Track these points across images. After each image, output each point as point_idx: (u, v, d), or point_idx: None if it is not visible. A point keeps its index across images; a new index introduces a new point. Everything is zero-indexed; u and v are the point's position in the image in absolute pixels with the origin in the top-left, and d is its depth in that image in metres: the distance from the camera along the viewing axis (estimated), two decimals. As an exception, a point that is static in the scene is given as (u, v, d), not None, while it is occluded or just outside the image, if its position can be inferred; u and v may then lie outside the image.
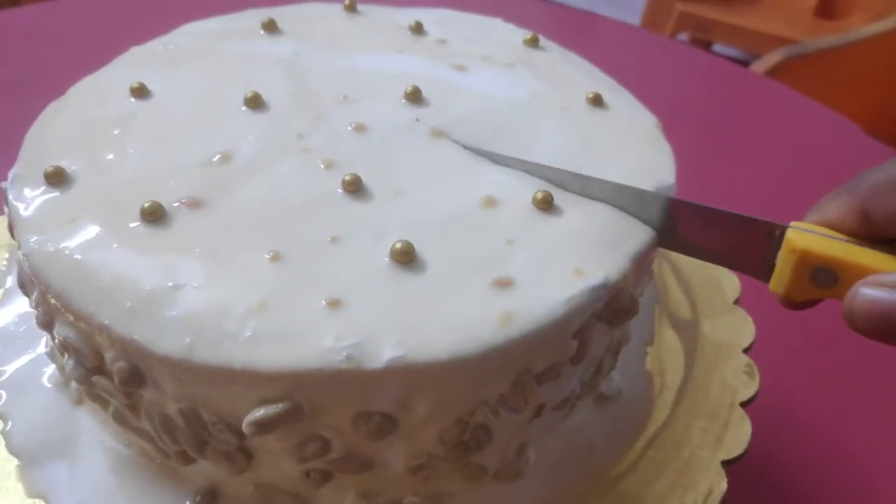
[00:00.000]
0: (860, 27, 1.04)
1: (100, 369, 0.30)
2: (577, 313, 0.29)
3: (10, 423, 0.35)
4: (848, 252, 0.27)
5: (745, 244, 0.29)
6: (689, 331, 0.41)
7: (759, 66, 0.89)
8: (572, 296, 0.29)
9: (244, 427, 0.27)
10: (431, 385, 0.27)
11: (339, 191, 0.32)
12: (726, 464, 0.36)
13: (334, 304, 0.28)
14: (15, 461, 0.34)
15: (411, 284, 0.29)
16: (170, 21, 0.44)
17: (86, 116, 0.36)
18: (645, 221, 0.32)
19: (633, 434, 0.37)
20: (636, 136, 0.37)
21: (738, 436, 0.37)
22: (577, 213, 0.32)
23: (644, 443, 0.36)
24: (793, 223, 0.28)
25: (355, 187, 0.32)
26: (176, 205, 0.31)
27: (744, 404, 0.38)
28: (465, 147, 0.35)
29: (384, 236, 0.30)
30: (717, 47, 1.53)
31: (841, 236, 0.27)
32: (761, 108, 0.78)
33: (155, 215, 0.30)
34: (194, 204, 0.31)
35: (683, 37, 1.44)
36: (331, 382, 0.27)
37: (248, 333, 0.27)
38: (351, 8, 0.44)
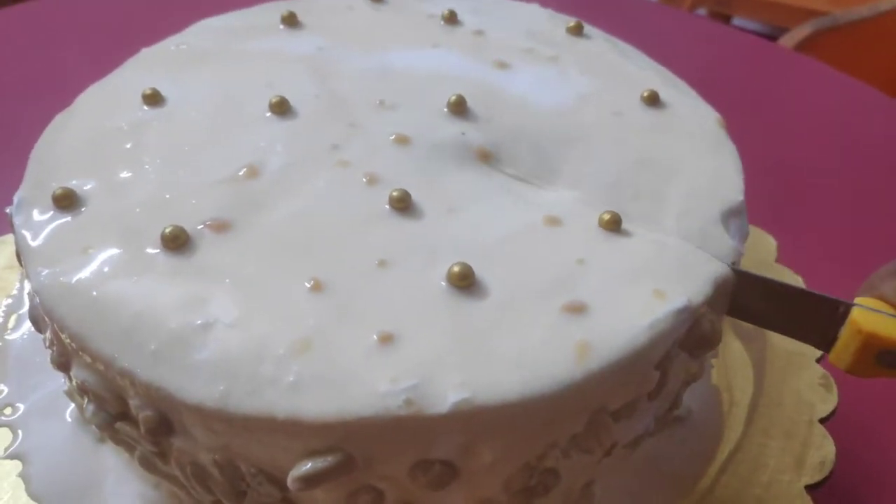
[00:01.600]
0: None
1: (124, 415, 0.26)
2: (661, 340, 0.25)
3: (29, 464, 0.31)
4: None
5: (806, 317, 0.28)
6: (755, 341, 0.38)
7: (788, 41, 0.85)
8: (655, 319, 0.25)
9: (289, 483, 0.24)
10: (499, 429, 0.24)
11: (386, 207, 0.28)
12: (810, 488, 0.32)
13: (387, 339, 0.24)
14: (34, 508, 0.30)
15: (472, 312, 0.25)
16: (183, 17, 0.40)
17: (95, 128, 0.32)
18: None
19: (705, 458, 0.33)
20: (697, 141, 0.33)
21: (821, 456, 0.33)
22: (648, 236, 0.28)
23: (717, 467, 0.33)
24: (857, 299, 0.27)
25: (404, 204, 0.28)
26: (200, 227, 0.27)
27: (823, 420, 0.34)
28: (513, 177, 0.31)
29: (438, 258, 0.26)
30: (737, 21, 1.48)
31: None
32: (792, 84, 0.74)
33: (178, 241, 0.27)
34: (221, 227, 0.27)
35: (702, 11, 1.39)
36: (387, 431, 0.23)
37: (291, 378, 0.23)
38: (376, -2, 0.40)
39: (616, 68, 0.37)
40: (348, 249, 0.27)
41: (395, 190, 0.28)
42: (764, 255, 0.42)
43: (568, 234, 0.28)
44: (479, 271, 0.26)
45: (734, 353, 0.37)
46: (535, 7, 0.41)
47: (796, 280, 0.40)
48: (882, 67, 0.94)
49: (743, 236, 0.30)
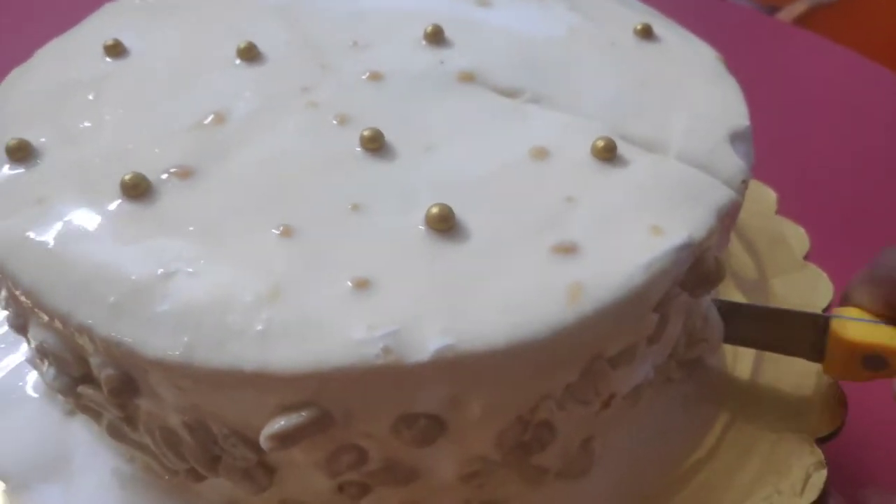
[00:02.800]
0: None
1: (86, 378, 0.24)
2: (659, 280, 0.23)
3: (-7, 442, 0.29)
4: (892, 338, 0.27)
5: (793, 334, 0.29)
6: (757, 292, 0.36)
7: (785, 16, 0.82)
8: (653, 258, 0.23)
9: (262, 442, 0.22)
10: (487, 379, 0.22)
11: (358, 149, 0.26)
12: (821, 442, 0.30)
13: (362, 284, 0.22)
14: (1, 485, 0.28)
15: (454, 256, 0.23)
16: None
17: (54, 81, 0.30)
18: None
19: (710, 414, 0.31)
20: (698, 71, 0.31)
21: (831, 408, 0.31)
22: (646, 163, 0.26)
23: (723, 424, 0.31)
24: (836, 310, 0.29)
25: (377, 144, 0.26)
26: (164, 176, 0.25)
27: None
28: (502, 92, 0.29)
29: (416, 200, 0.24)
30: None
31: (881, 320, 0.27)
32: (791, 58, 0.71)
33: (138, 189, 0.24)
34: (185, 173, 0.25)
35: None
36: (365, 382, 0.21)
37: (260, 327, 0.21)
38: (354, -56, 0.38)
39: (605, 6, 0.34)
40: (319, 194, 0.25)
41: (367, 129, 0.26)
42: (764, 207, 0.39)
43: (557, 168, 0.26)
44: (460, 212, 0.24)
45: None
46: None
47: (799, 232, 0.38)
48: (880, 43, 0.91)
49: (749, 161, 0.29)
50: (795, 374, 0.32)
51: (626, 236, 0.23)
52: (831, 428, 0.30)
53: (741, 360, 0.33)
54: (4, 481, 0.28)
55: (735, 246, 0.38)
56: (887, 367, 0.27)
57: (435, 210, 0.23)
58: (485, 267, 0.23)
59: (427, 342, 0.21)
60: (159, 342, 0.21)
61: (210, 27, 0.32)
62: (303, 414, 0.21)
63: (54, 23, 0.35)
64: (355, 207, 0.24)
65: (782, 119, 0.59)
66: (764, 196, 0.41)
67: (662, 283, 0.23)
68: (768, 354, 0.33)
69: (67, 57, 0.31)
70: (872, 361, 0.27)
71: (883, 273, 0.27)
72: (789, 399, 0.31)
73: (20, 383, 0.30)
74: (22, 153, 0.26)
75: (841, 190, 0.52)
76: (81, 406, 0.26)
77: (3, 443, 0.29)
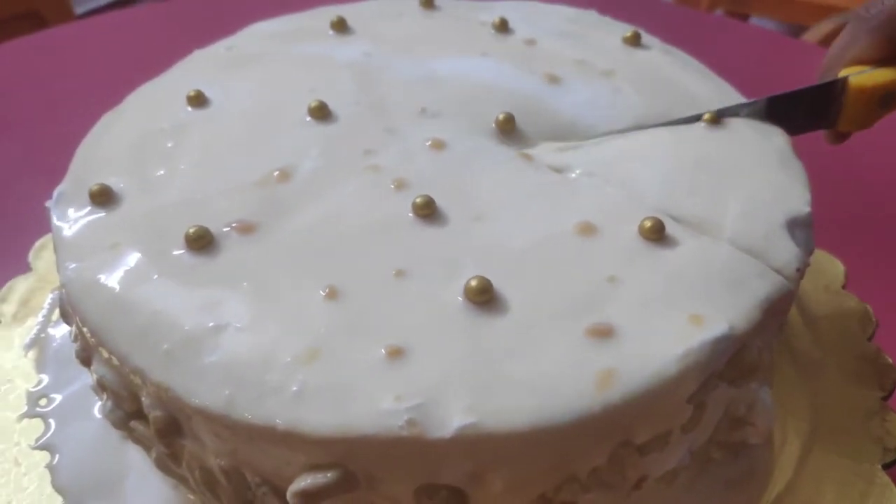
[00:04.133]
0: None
1: (138, 414, 0.26)
2: (693, 372, 0.22)
3: (57, 456, 0.31)
4: None
5: (813, 108, 0.32)
6: (813, 369, 0.34)
7: (812, 36, 0.79)
8: (689, 350, 0.22)
9: (289, 497, 0.22)
10: (509, 457, 0.21)
11: (410, 215, 0.26)
12: (867, 544, 0.28)
13: (395, 353, 0.22)
14: (59, 499, 0.30)
15: (488, 330, 0.23)
16: (244, 19, 0.40)
17: (140, 128, 0.32)
18: None
19: (752, 498, 0.30)
20: (762, 154, 0.30)
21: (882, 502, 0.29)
22: (694, 246, 0.25)
23: (763, 512, 0.29)
24: (846, 72, 0.31)
25: (428, 211, 0.26)
26: (226, 230, 0.26)
27: (886, 466, 0.30)
28: (559, 170, 0.29)
29: (459, 270, 0.24)
30: (754, 20, 1.40)
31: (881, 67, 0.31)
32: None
33: (201, 242, 0.26)
34: (246, 228, 0.26)
35: (719, 12, 1.32)
36: (389, 450, 0.21)
37: (295, 388, 0.22)
38: (428, 4, 0.39)
39: (675, 85, 0.34)
40: (368, 257, 0.25)
41: (420, 196, 0.26)
42: (829, 280, 0.38)
43: (602, 245, 0.25)
44: (500, 285, 0.24)
45: (789, 383, 0.34)
46: (592, 13, 0.39)
47: (865, 309, 0.36)
48: None
49: (809, 248, 0.27)
50: (844, 469, 0.30)
51: (663, 323, 0.23)
52: (882, 530, 0.28)
53: (790, 443, 0.32)
54: (63, 496, 0.30)
55: (794, 317, 0.36)
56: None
57: (474, 283, 0.23)
58: (518, 344, 0.22)
59: (451, 418, 0.21)
60: (203, 392, 0.22)
61: (287, 81, 0.33)
62: (329, 474, 0.22)
63: (148, 66, 0.37)
64: (399, 273, 0.25)
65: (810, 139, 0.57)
66: (832, 269, 0.39)
67: (698, 374, 0.22)
68: (819, 440, 0.31)
69: (153, 104, 0.33)
70: (886, 99, 0.31)
71: (874, 19, 0.30)
72: (838, 491, 0.29)
73: (88, 401, 0.32)
74: (103, 198, 0.28)
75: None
76: (134, 438, 0.27)
77: (65, 459, 0.31)
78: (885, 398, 0.33)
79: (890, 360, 0.34)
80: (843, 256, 0.39)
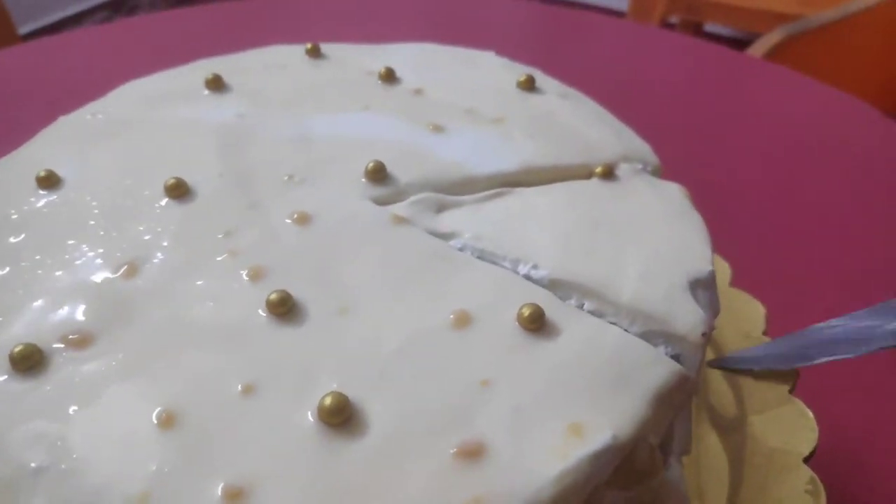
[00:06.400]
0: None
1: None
2: (573, 492, 0.19)
3: None
4: None
5: None
6: (734, 433, 0.32)
7: (758, 49, 0.78)
8: (566, 469, 0.19)
9: None
10: None
11: (263, 314, 0.23)
12: None
13: (234, 496, 0.19)
14: None
15: (344, 459, 0.20)
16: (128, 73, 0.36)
17: (-17, 216, 0.28)
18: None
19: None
20: (659, 209, 0.28)
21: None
22: (578, 334, 0.23)
23: None
24: None
25: (283, 308, 0.23)
26: (58, 345, 0.23)
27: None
28: (438, 235, 0.26)
29: (314, 382, 0.21)
30: (710, 27, 1.41)
31: None
32: (764, 94, 0.68)
33: (28, 362, 0.22)
34: (81, 342, 0.23)
35: (674, 20, 1.32)
36: None
37: (122, 542, 0.19)
38: (314, 53, 0.36)
39: (568, 131, 0.31)
40: (213, 369, 0.22)
41: (275, 292, 0.23)
42: (748, 326, 0.35)
43: (478, 340, 0.23)
44: (360, 400, 0.21)
45: (709, 448, 0.31)
46: (490, 56, 0.36)
47: (756, 307, 0.34)
48: (855, 69, 0.87)
49: (714, 309, 0.25)
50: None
51: (539, 436, 0.20)
52: None
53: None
54: None
55: (714, 373, 0.34)
56: None
57: (328, 401, 0.20)
58: (377, 474, 0.19)
59: (293, 578, 0.18)
60: (19, 553, 0.19)
61: (149, 154, 0.30)
62: None
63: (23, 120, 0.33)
64: (247, 389, 0.21)
65: (749, 157, 0.56)
66: (750, 312, 0.37)
67: (577, 493, 0.20)
68: (742, 498, 0.29)
69: (3, 187, 0.29)
70: None
71: None
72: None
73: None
74: (-76, 309, 0.24)
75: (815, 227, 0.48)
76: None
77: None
78: (807, 459, 0.30)
79: (811, 414, 0.32)
80: (763, 296, 0.37)
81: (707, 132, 0.60)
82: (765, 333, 0.35)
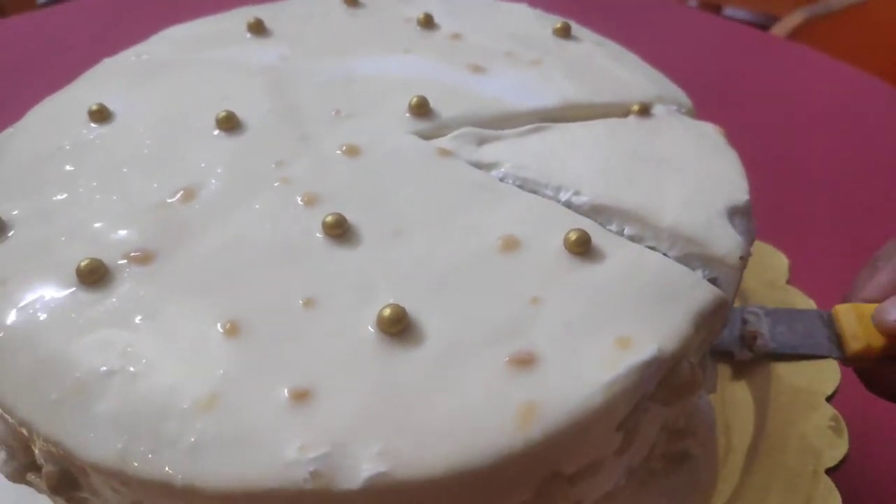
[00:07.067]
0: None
1: (34, 466, 0.23)
2: (621, 400, 0.21)
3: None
4: None
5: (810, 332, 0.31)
6: (758, 375, 0.33)
7: (780, 29, 0.78)
8: (615, 377, 0.20)
9: (192, 554, 0.20)
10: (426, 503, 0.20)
11: (320, 235, 0.24)
12: (812, 552, 0.27)
13: (300, 396, 0.20)
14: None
15: (403, 364, 0.21)
16: (160, 22, 0.37)
17: (38, 148, 0.29)
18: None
19: (694, 512, 0.29)
20: (695, 145, 0.28)
21: (827, 515, 0.28)
22: (623, 258, 0.24)
23: (707, 524, 0.28)
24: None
25: (340, 230, 0.24)
26: (122, 261, 0.24)
27: (830, 470, 0.29)
28: (482, 166, 0.27)
29: (372, 296, 0.22)
30: (728, 11, 1.40)
31: None
32: (787, 74, 0.68)
33: (94, 276, 0.23)
34: (144, 258, 0.24)
35: (693, 3, 1.32)
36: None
37: (193, 438, 0.20)
38: (352, 2, 0.36)
39: (605, 74, 0.32)
40: (274, 285, 0.23)
41: (331, 214, 0.24)
42: (773, 274, 0.36)
43: (526, 262, 0.23)
44: (416, 312, 0.22)
45: (734, 389, 0.32)
46: (523, 7, 0.37)
47: (809, 305, 0.35)
48: (878, 53, 0.87)
49: (750, 237, 0.26)
50: (790, 473, 0.29)
51: (588, 348, 0.21)
52: (825, 537, 0.27)
53: (734, 452, 0.30)
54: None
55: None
56: None
57: (387, 312, 0.21)
58: (434, 379, 0.21)
59: (359, 468, 0.19)
60: (94, 446, 0.20)
61: (197, 91, 0.31)
62: (233, 530, 0.20)
63: (58, 75, 0.34)
64: (308, 303, 0.22)
65: (771, 136, 0.56)
66: (776, 263, 0.38)
67: (626, 401, 0.21)
68: (763, 447, 0.30)
69: (54, 120, 0.30)
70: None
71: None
72: (782, 501, 0.28)
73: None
74: (-9, 229, 0.25)
75: (839, 219, 0.49)
76: (37, 490, 0.25)
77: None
78: (830, 398, 0.32)
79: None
80: (788, 250, 0.38)
81: (729, 111, 0.60)
82: (788, 282, 0.36)
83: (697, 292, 0.23)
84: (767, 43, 0.73)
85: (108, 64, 0.34)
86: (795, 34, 0.79)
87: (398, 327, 0.21)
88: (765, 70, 0.68)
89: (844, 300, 0.30)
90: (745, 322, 0.32)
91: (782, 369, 0.32)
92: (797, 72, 0.68)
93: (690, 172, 0.27)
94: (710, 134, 0.29)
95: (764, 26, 0.86)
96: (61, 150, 0.29)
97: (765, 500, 0.28)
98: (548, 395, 0.20)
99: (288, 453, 0.19)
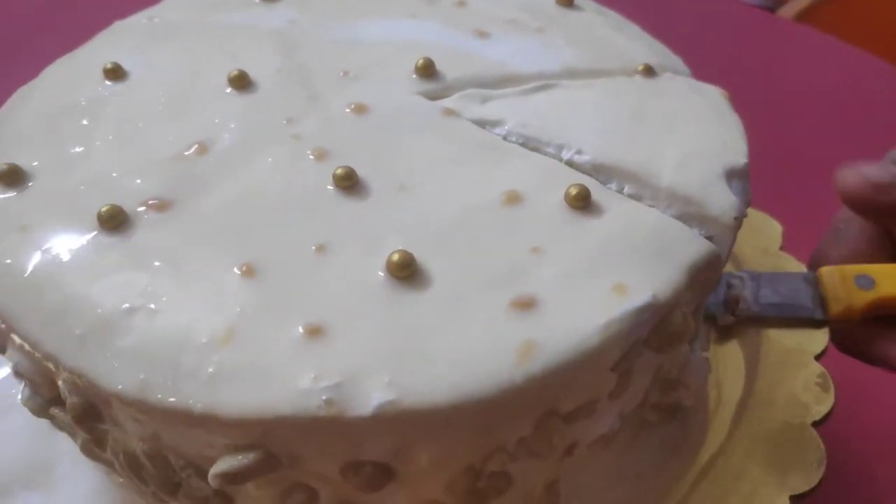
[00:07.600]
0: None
1: (57, 400, 0.25)
2: (616, 342, 0.22)
3: (-17, 446, 0.30)
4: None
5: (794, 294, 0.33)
6: (750, 336, 0.34)
7: (788, 11, 0.78)
8: (611, 320, 0.22)
9: (210, 479, 0.22)
10: (431, 433, 0.21)
11: (330, 187, 0.26)
12: (795, 499, 0.29)
13: (314, 332, 0.21)
14: (-13, 490, 0.29)
15: (410, 305, 0.22)
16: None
17: (55, 103, 0.30)
18: None
19: (684, 461, 0.30)
20: (698, 107, 0.30)
21: (810, 464, 0.29)
22: (621, 213, 0.25)
23: (696, 472, 0.30)
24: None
25: (349, 182, 0.25)
26: (141, 209, 0.25)
27: (816, 424, 0.31)
28: (486, 124, 0.28)
29: (381, 244, 0.24)
30: None
31: None
32: (794, 56, 0.68)
33: (114, 221, 0.24)
34: (161, 206, 0.25)
35: None
36: (308, 430, 0.21)
37: (211, 370, 0.21)
38: (360, -32, 0.37)
39: (607, 41, 0.33)
40: (287, 232, 0.24)
41: (340, 167, 0.25)
42: (767, 242, 0.38)
43: (528, 215, 0.25)
44: (424, 259, 0.23)
45: (725, 347, 0.34)
46: (528, -23, 0.38)
47: (773, 226, 0.37)
48: (886, 36, 0.87)
49: (746, 199, 0.27)
50: (777, 425, 0.31)
51: (586, 293, 0.22)
52: (808, 486, 0.29)
53: (725, 406, 0.32)
54: (-10, 485, 0.29)
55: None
56: (875, 286, 0.31)
57: (396, 257, 0.23)
58: (440, 318, 0.22)
59: (370, 396, 0.20)
60: (117, 377, 0.21)
61: (208, 51, 0.32)
62: (249, 456, 0.21)
63: (68, 37, 0.35)
64: (320, 249, 0.24)
65: (781, 120, 0.57)
66: (768, 229, 0.39)
67: (620, 344, 0.22)
68: (753, 402, 0.32)
69: (70, 78, 0.31)
70: (863, 281, 0.31)
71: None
72: (769, 452, 0.30)
73: (12, 391, 0.31)
74: (13, 178, 0.26)
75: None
76: (57, 425, 0.26)
77: (-8, 447, 0.30)
78: (818, 356, 0.33)
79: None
80: (781, 217, 0.39)
81: (734, 92, 0.60)
82: (781, 249, 0.37)
83: (692, 246, 0.24)
84: (774, 25, 0.73)
85: (119, 26, 0.35)
86: (803, 16, 0.80)
87: (407, 272, 0.23)
88: (772, 52, 0.69)
89: (811, 266, 0.32)
90: (729, 286, 0.33)
91: (773, 331, 0.34)
92: (804, 54, 0.68)
93: (691, 134, 0.28)
94: (713, 97, 0.30)
95: (771, 8, 0.87)
96: (78, 106, 0.30)
97: (752, 451, 0.30)
98: (547, 335, 0.21)
99: (302, 383, 0.20)
